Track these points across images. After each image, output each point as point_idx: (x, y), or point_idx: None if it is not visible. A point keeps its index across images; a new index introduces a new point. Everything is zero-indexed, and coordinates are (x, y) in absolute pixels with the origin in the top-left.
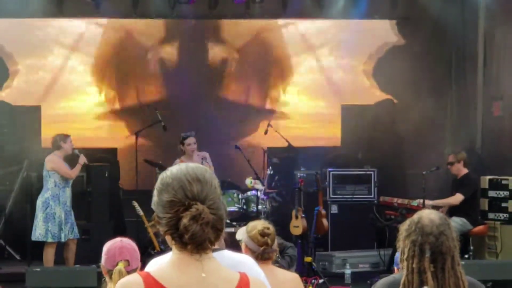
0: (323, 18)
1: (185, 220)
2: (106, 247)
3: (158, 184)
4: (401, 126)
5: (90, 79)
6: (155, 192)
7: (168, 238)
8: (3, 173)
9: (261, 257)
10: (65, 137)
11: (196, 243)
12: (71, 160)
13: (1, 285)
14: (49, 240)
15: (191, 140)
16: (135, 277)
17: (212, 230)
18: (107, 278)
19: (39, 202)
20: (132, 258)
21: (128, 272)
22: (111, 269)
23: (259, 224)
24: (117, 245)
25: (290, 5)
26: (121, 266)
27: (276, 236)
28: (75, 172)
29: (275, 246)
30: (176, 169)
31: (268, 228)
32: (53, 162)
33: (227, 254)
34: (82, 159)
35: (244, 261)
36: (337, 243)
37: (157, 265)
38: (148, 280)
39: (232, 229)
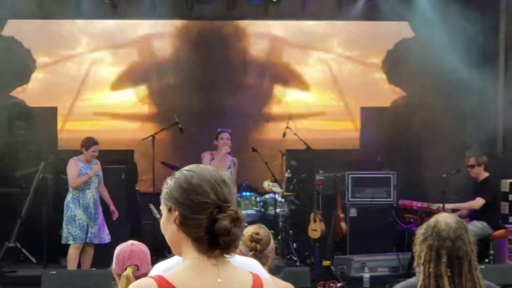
0: (341, 19)
1: (225, 222)
2: (117, 250)
3: (181, 184)
4: (420, 128)
5: (107, 81)
6: (178, 192)
7: (189, 242)
8: (20, 175)
9: None
10: (89, 145)
11: (231, 245)
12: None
13: None
14: (70, 242)
15: (225, 135)
16: (148, 281)
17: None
18: (117, 281)
19: (64, 204)
20: (142, 262)
21: (137, 277)
22: (120, 273)
23: (251, 229)
24: (127, 249)
25: (308, 6)
26: (129, 271)
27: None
28: (78, 181)
29: (268, 251)
30: (199, 170)
31: (257, 234)
32: (69, 165)
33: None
34: (93, 171)
35: (250, 264)
36: (355, 247)
37: (161, 269)
38: (161, 283)
39: None
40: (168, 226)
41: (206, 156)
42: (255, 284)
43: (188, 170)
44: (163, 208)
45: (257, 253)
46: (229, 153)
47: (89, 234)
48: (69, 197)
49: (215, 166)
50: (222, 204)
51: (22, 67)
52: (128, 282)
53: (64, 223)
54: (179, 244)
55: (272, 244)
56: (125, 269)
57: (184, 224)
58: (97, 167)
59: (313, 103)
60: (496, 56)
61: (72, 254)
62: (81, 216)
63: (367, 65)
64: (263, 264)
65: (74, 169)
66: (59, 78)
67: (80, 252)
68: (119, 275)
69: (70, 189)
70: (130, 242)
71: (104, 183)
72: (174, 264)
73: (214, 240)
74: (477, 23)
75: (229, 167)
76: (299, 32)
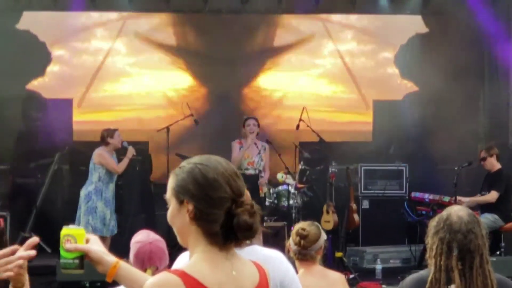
0: (354, 13)
1: (245, 217)
2: (135, 247)
3: (197, 178)
4: (432, 121)
5: (122, 72)
6: (193, 186)
7: (197, 235)
8: (35, 166)
9: (298, 257)
10: (112, 132)
11: (249, 238)
12: (121, 152)
13: None
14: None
15: (251, 121)
16: (172, 278)
17: None
18: None
19: (82, 194)
20: (161, 261)
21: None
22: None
23: (300, 224)
24: (147, 250)
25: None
26: (149, 272)
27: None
28: (122, 166)
29: (313, 249)
30: (213, 164)
31: (304, 229)
32: (101, 156)
33: (258, 249)
34: (130, 152)
35: (274, 256)
36: (368, 239)
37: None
38: (186, 279)
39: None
40: (178, 217)
41: (235, 145)
42: (260, 273)
43: (201, 163)
44: (171, 199)
45: (301, 249)
46: (258, 139)
47: (110, 227)
48: (91, 188)
49: (244, 154)
50: (237, 198)
51: (37, 60)
52: None
53: (82, 213)
54: (188, 235)
55: (320, 243)
56: (145, 270)
57: (199, 218)
58: (131, 148)
59: (326, 95)
60: (509, 48)
61: None
62: (102, 209)
63: (380, 59)
64: (307, 260)
65: (108, 157)
66: (74, 70)
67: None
68: None
69: (94, 179)
70: (148, 239)
71: (119, 174)
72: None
73: (229, 234)
74: (488, 13)
75: (258, 153)
76: (313, 25)
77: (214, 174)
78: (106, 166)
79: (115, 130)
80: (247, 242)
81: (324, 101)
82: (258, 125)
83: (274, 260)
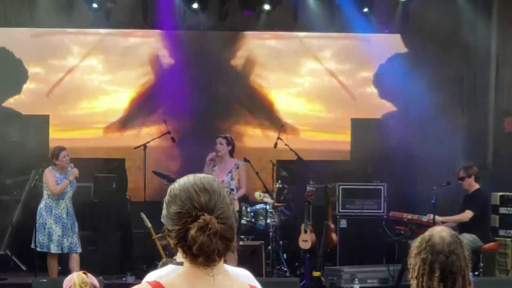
0: (333, 31)
1: (192, 231)
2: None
3: (167, 197)
4: (411, 140)
5: (99, 89)
6: (164, 205)
7: (180, 252)
8: (11, 183)
9: None
10: (58, 153)
11: (205, 254)
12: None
13: None
14: (38, 249)
15: (218, 140)
16: (145, 286)
17: (221, 240)
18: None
19: (37, 210)
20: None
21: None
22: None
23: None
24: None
25: (300, 18)
26: (78, 274)
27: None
28: (59, 188)
29: None
30: (184, 180)
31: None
32: (45, 175)
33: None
34: (73, 175)
35: (243, 275)
36: (346, 258)
37: (155, 276)
38: None
39: (240, 243)
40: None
41: (207, 160)
42: None
43: (177, 181)
44: None
45: None
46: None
47: (63, 244)
48: (42, 204)
49: (217, 172)
50: (196, 212)
51: (14, 77)
52: (80, 278)
53: (35, 230)
54: (180, 254)
55: None
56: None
57: (169, 236)
58: (75, 170)
59: (304, 114)
60: (487, 68)
61: (49, 262)
62: (51, 225)
63: (359, 78)
64: None
65: (51, 176)
66: (51, 87)
67: (68, 259)
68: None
69: (45, 196)
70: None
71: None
72: (167, 273)
73: (191, 250)
74: (469, 34)
75: (230, 172)
76: (292, 44)
77: (177, 190)
78: (47, 185)
79: (61, 150)
80: (221, 257)
81: (302, 120)
82: (228, 144)
83: (243, 278)
